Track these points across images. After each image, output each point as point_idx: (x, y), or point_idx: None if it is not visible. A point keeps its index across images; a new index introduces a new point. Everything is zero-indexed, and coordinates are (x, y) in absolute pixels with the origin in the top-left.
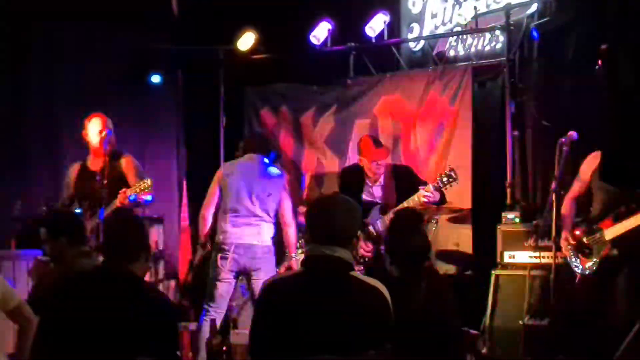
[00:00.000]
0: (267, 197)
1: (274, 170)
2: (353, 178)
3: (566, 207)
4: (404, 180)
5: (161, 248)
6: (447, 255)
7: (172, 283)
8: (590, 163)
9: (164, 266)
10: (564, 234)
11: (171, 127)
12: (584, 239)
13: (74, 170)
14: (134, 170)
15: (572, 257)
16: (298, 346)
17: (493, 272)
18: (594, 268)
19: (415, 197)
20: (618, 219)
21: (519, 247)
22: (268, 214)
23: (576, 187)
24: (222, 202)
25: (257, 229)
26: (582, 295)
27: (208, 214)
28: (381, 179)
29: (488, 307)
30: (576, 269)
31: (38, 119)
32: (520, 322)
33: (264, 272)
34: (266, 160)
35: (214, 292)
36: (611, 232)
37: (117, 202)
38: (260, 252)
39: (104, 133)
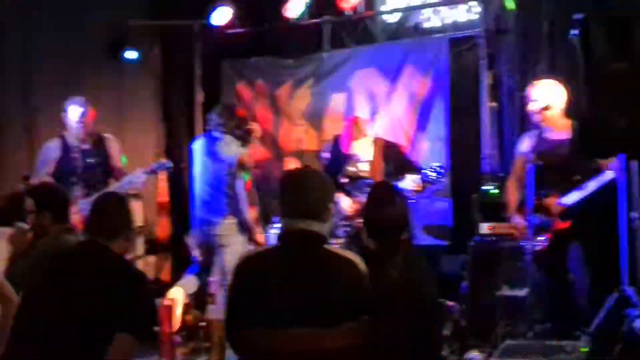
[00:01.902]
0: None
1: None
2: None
3: (510, 190)
4: (392, 160)
5: (140, 224)
6: (429, 229)
7: (151, 259)
8: (527, 142)
9: (143, 242)
10: (513, 218)
11: (148, 103)
12: (533, 217)
13: (55, 146)
14: (118, 153)
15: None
16: (274, 320)
17: (471, 243)
18: (545, 244)
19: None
20: (563, 192)
21: (496, 219)
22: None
23: (516, 167)
24: None
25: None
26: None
27: None
28: (369, 156)
29: (465, 279)
30: (528, 245)
31: (14, 97)
32: (498, 293)
33: (228, 248)
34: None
35: None
36: (558, 206)
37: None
38: (218, 228)
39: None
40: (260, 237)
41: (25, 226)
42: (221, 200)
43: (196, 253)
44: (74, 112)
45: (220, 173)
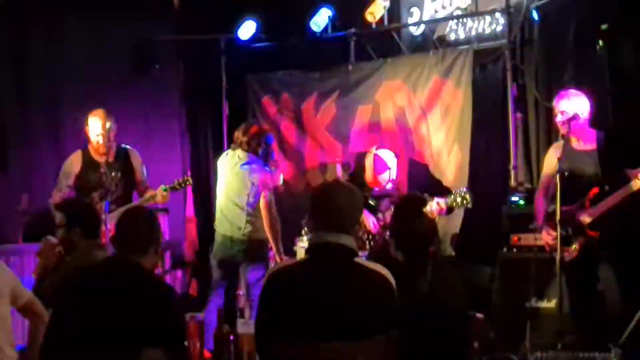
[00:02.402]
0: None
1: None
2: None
3: (538, 201)
4: (417, 178)
5: (167, 239)
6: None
7: (179, 273)
8: (554, 153)
9: (171, 257)
10: (542, 229)
11: (174, 118)
12: (562, 228)
13: (77, 159)
14: (141, 166)
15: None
16: (304, 334)
17: (499, 255)
18: (575, 255)
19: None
20: (592, 203)
21: (524, 230)
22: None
23: (545, 178)
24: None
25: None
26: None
27: None
28: (393, 174)
29: (495, 290)
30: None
31: (42, 112)
32: (527, 305)
33: (248, 263)
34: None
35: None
36: (587, 216)
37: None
38: (238, 244)
39: (107, 128)
40: (280, 255)
41: (54, 240)
42: (242, 218)
43: (215, 273)
44: (95, 125)
45: (242, 190)
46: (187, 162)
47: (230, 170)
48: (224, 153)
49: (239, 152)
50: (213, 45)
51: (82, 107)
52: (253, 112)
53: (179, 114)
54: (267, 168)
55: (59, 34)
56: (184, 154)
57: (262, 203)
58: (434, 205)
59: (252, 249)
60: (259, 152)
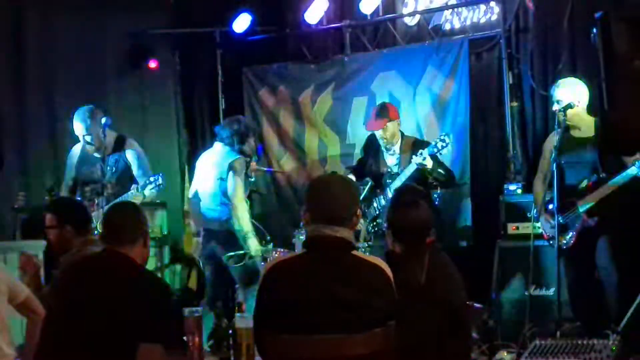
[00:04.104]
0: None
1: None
2: (371, 146)
3: (537, 189)
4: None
5: (165, 233)
6: (451, 230)
7: (178, 268)
8: (551, 141)
9: (170, 251)
10: (540, 216)
11: (170, 112)
12: (560, 216)
13: (75, 153)
14: (138, 161)
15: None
16: (302, 327)
17: (497, 244)
18: (572, 242)
19: (412, 165)
20: (590, 190)
21: (521, 218)
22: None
23: (543, 166)
24: None
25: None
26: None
27: None
28: (396, 149)
29: (493, 279)
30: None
31: (37, 108)
32: (526, 293)
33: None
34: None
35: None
36: (584, 203)
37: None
38: (216, 236)
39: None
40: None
41: (31, 252)
42: (216, 209)
43: (206, 270)
44: (78, 127)
45: (216, 181)
46: (185, 156)
47: (206, 163)
48: (203, 152)
49: (216, 145)
50: (208, 38)
51: (78, 101)
52: (250, 105)
53: (175, 108)
54: (240, 154)
55: (55, 27)
56: (181, 147)
57: (239, 192)
58: (418, 159)
59: (229, 241)
60: (229, 141)
